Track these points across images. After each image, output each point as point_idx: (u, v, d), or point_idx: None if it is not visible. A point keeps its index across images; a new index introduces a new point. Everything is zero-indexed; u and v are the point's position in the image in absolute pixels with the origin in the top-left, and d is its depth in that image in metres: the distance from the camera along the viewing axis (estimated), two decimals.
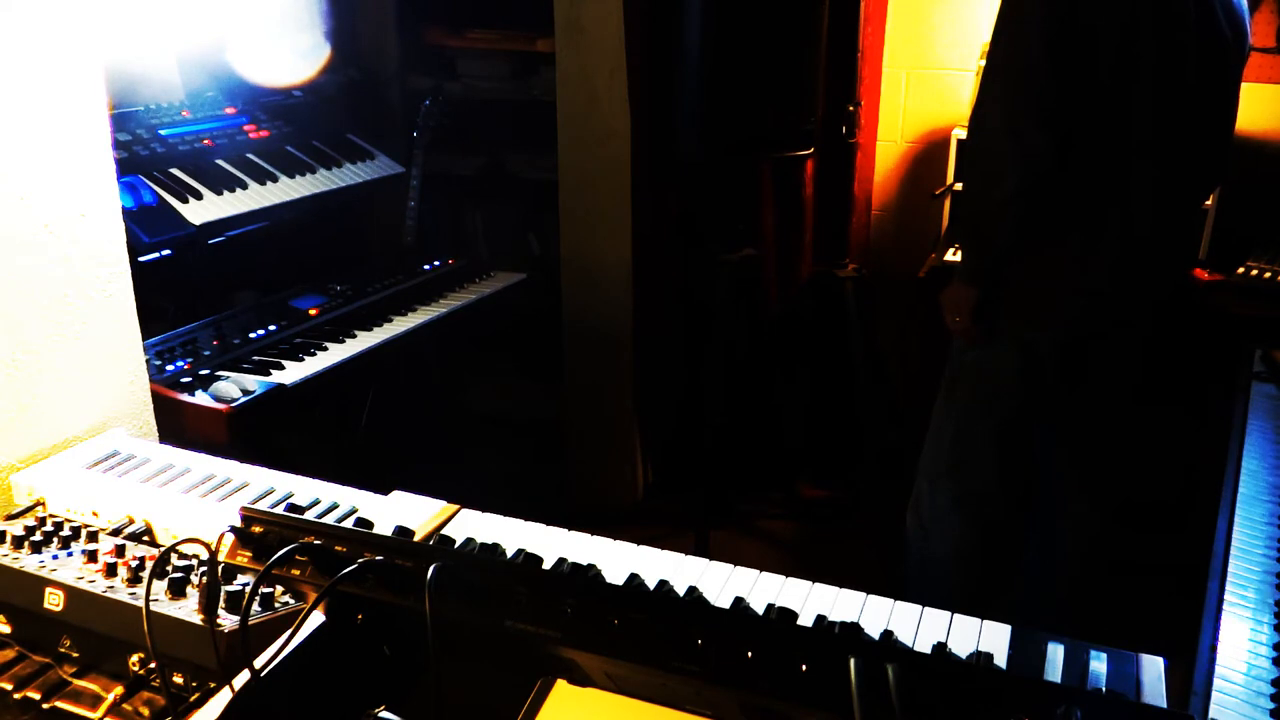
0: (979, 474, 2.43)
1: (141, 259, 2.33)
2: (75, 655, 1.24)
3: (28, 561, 1.29)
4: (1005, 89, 2.10)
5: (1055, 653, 1.09)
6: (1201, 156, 2.22)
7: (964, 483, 2.45)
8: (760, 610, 1.00)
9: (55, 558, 1.31)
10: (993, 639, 1.13)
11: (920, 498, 2.55)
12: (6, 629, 1.28)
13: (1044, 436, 2.44)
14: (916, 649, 1.08)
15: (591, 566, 1.15)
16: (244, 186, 2.74)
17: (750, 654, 0.88)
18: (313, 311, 2.74)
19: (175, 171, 2.64)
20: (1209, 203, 2.83)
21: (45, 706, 1.19)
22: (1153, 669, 1.05)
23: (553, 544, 1.33)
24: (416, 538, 1.08)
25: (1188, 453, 2.71)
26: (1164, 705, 1.00)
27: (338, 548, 1.02)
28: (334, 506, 1.52)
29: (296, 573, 1.03)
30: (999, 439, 2.40)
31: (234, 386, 2.25)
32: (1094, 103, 2.07)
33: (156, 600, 1.18)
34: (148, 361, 1.87)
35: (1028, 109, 2.07)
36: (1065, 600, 2.53)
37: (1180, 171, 2.18)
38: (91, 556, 1.30)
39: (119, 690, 1.18)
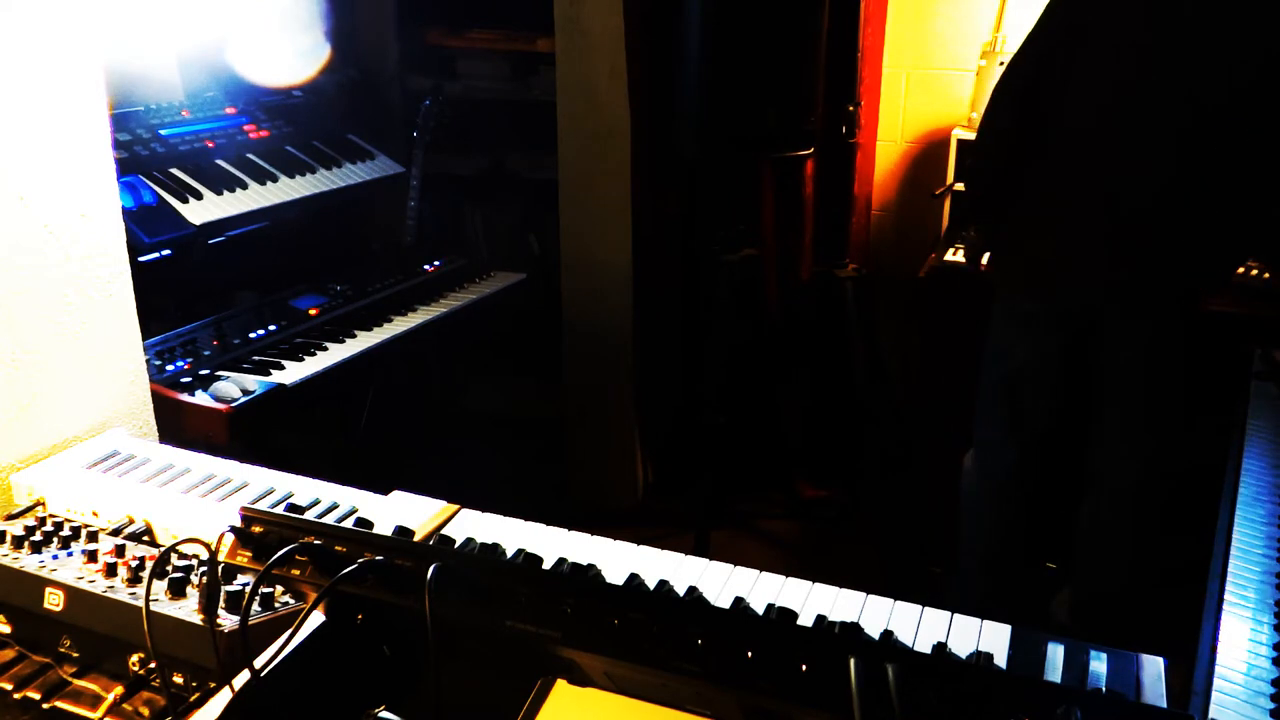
0: (989, 429, 2.59)
1: (141, 259, 2.33)
2: (75, 655, 1.24)
3: (28, 561, 1.29)
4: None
5: (1055, 653, 1.09)
6: (1226, 153, 2.18)
7: (980, 434, 2.62)
8: (760, 610, 1.00)
9: (55, 558, 1.31)
10: (993, 639, 1.13)
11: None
12: (6, 629, 1.28)
13: (1060, 427, 2.49)
14: (916, 649, 1.08)
15: (591, 566, 1.15)
16: (244, 186, 2.74)
17: (750, 654, 0.88)
18: (313, 311, 2.73)
19: (175, 171, 2.64)
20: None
21: (45, 706, 1.19)
22: (1153, 669, 1.05)
23: (553, 544, 1.33)
24: (416, 538, 1.08)
25: (1188, 452, 2.70)
26: (1164, 705, 1.00)
27: (338, 548, 1.02)
28: (334, 506, 1.52)
29: (296, 573, 1.03)
30: (1007, 401, 2.51)
31: (234, 386, 2.25)
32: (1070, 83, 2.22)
33: (156, 600, 1.18)
34: (148, 361, 1.86)
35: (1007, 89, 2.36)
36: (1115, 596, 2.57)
37: (1194, 163, 2.17)
38: (91, 556, 1.30)
39: (119, 690, 1.18)
